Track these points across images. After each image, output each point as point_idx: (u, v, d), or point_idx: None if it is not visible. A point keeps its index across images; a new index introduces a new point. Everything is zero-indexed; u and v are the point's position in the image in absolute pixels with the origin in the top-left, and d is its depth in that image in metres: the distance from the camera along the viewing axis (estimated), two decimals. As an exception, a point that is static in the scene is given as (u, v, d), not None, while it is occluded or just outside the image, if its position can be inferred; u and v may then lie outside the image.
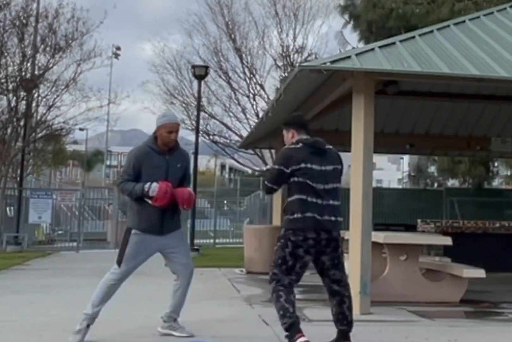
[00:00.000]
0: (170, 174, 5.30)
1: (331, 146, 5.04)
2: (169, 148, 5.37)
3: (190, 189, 5.53)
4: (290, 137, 5.06)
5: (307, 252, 4.74)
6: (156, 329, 5.44)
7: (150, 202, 5.17)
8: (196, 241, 16.91)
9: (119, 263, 5.21)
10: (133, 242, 5.24)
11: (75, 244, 18.77)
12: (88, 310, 5.16)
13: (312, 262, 4.87)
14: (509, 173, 27.79)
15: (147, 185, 5.16)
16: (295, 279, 4.80)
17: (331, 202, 4.82)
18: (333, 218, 4.81)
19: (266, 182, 5.03)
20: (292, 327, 4.60)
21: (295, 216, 4.77)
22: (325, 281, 4.92)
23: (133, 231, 5.27)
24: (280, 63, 25.58)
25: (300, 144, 4.93)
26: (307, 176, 4.81)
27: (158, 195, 5.13)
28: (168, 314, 5.41)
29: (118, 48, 46.42)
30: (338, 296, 4.87)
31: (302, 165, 4.81)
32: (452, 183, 28.55)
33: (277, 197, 11.90)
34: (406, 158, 45.26)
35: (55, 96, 20.14)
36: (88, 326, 5.13)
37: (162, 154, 5.34)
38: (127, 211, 5.51)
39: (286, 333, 4.63)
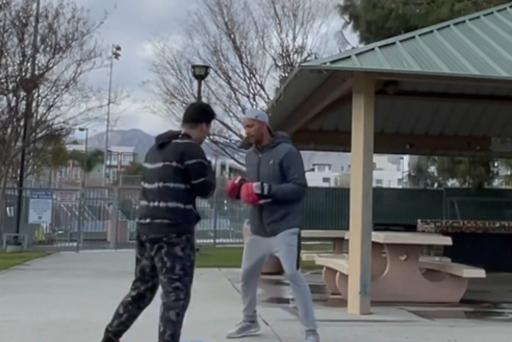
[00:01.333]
0: (261, 172, 5.17)
1: (183, 141, 4.34)
2: (261, 145, 5.25)
3: (252, 183, 5.08)
4: None
5: (140, 254, 4.42)
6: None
7: None
8: (196, 241, 16.86)
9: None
10: (247, 243, 5.44)
11: (75, 244, 18.77)
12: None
13: None
14: (509, 173, 27.75)
15: None
16: (135, 287, 4.46)
17: (152, 203, 4.33)
18: (147, 220, 4.33)
19: None
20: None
21: None
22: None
23: (249, 232, 5.44)
24: (280, 63, 25.62)
25: None
26: (143, 177, 4.56)
27: (228, 193, 5.24)
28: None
29: (118, 48, 46.49)
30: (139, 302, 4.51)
31: (144, 165, 4.58)
32: (452, 183, 28.53)
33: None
34: (406, 158, 45.23)
35: (55, 96, 20.22)
36: (249, 321, 5.45)
37: (257, 152, 5.31)
38: None
39: None
